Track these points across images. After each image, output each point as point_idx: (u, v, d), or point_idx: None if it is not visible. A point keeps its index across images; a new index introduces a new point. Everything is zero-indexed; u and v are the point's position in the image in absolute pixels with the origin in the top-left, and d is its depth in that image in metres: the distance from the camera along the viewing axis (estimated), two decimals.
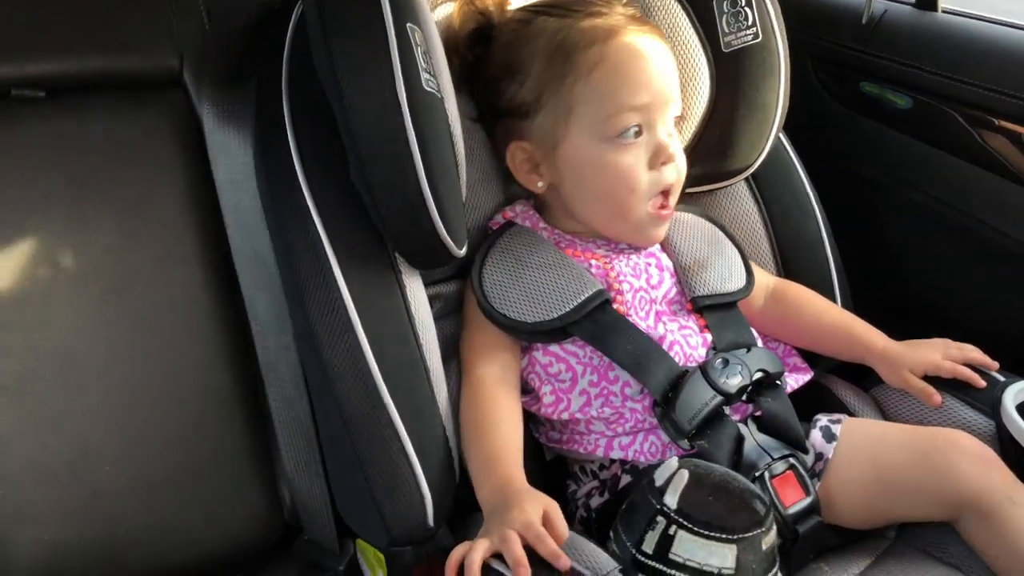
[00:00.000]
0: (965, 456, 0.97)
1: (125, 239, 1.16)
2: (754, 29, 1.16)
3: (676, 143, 1.07)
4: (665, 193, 1.07)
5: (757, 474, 0.98)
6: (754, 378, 1.03)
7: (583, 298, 1.02)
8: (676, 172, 1.07)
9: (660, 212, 1.07)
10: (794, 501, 0.98)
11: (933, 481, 0.97)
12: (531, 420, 1.08)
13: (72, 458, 1.11)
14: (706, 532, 0.69)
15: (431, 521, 0.96)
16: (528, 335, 1.04)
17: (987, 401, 1.05)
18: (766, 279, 1.19)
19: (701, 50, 1.17)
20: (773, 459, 1.00)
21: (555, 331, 1.03)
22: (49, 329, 1.12)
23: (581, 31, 1.04)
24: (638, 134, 1.04)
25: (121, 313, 1.15)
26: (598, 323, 1.02)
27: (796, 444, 1.02)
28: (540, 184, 1.09)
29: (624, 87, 1.03)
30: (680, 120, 1.11)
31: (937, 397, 1.07)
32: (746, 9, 1.16)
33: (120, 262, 1.15)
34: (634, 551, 0.71)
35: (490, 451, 0.96)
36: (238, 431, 1.18)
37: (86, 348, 1.13)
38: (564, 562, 0.81)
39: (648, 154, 1.04)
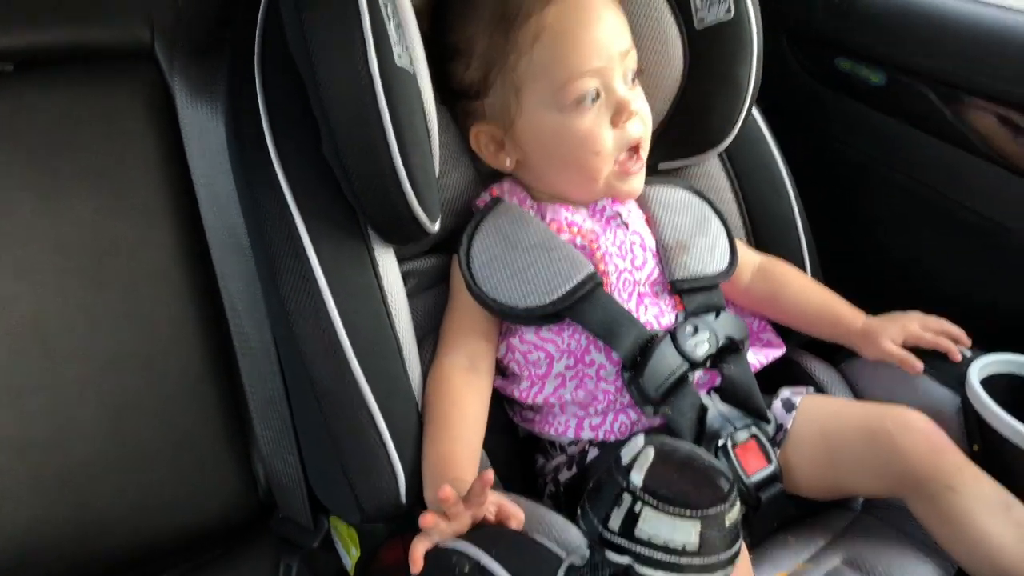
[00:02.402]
0: (912, 438, 0.98)
1: (97, 215, 1.15)
2: (727, 4, 1.14)
3: (638, 96, 1.05)
4: (634, 148, 1.05)
5: (720, 443, 1.00)
6: (720, 344, 1.04)
7: (575, 282, 1.01)
8: (641, 125, 1.05)
9: (625, 165, 1.05)
10: (756, 469, 1.00)
11: (878, 461, 0.99)
12: (506, 399, 1.08)
13: (46, 434, 1.10)
14: (670, 508, 0.69)
15: (403, 498, 0.97)
16: (519, 319, 1.03)
17: (953, 375, 1.06)
18: (753, 256, 1.18)
19: (675, 28, 1.16)
20: (736, 428, 1.01)
21: (547, 316, 1.01)
22: (21, 302, 1.11)
23: (516, 3, 1.00)
24: (596, 98, 1.01)
25: (93, 288, 1.14)
26: (584, 301, 1.01)
27: (758, 413, 1.04)
28: (508, 162, 1.07)
29: (571, 55, 1.00)
30: (639, 74, 1.07)
31: (918, 364, 1.07)
32: None
33: (92, 237, 1.14)
34: (601, 528, 0.71)
35: (444, 455, 0.95)
36: (212, 407, 1.18)
37: (59, 323, 1.12)
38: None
39: (610, 113, 1.02)
